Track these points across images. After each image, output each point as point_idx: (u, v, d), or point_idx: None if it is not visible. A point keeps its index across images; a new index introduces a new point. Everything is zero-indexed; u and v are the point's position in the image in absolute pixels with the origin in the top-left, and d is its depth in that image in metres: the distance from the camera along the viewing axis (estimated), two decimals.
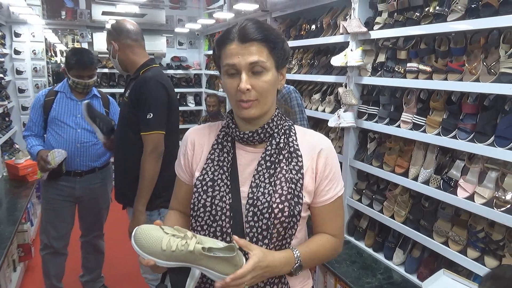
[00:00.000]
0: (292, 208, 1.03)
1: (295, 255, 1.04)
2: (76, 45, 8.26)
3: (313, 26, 2.91)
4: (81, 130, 2.44)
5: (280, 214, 1.01)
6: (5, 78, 3.98)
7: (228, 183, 1.06)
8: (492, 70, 1.65)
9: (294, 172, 1.05)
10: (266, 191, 1.03)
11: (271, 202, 1.01)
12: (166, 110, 1.97)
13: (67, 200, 2.51)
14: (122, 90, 3.39)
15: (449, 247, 1.84)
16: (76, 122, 2.45)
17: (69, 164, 2.43)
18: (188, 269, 0.96)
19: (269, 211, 1.01)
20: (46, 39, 5.99)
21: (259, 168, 1.06)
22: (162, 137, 1.95)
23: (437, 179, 1.92)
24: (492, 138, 1.66)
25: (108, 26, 2.11)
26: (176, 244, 0.91)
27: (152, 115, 1.90)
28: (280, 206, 1.01)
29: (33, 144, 2.43)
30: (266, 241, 1.02)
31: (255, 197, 1.03)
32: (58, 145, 2.40)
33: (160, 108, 1.93)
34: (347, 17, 2.46)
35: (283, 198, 1.02)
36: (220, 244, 0.95)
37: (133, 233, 0.95)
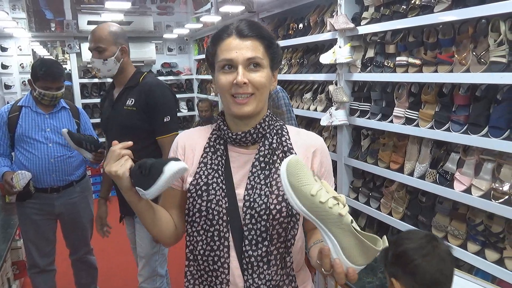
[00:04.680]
0: (289, 208, 1.00)
1: None
2: (66, 56, 8.20)
3: (301, 25, 2.88)
4: (52, 144, 2.31)
5: (278, 215, 0.99)
6: None
7: (224, 186, 1.04)
8: (482, 60, 1.63)
9: None
10: (262, 192, 1.01)
11: (268, 203, 1.00)
12: (176, 112, 2.08)
13: (47, 218, 2.40)
14: None
15: (449, 242, 1.81)
16: (46, 136, 2.31)
17: (44, 180, 2.31)
18: None
19: (267, 212, 0.99)
20: (35, 52, 5.97)
21: (254, 170, 1.04)
22: None
23: (433, 173, 1.89)
24: (486, 128, 1.63)
25: (112, 28, 2.02)
26: (327, 198, 0.83)
27: (169, 118, 1.96)
28: (278, 207, 1.00)
29: None
30: (266, 243, 1.00)
31: (251, 199, 1.01)
32: (30, 163, 2.28)
33: (174, 110, 2.04)
34: (334, 14, 2.43)
35: (280, 198, 1.00)
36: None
37: (287, 160, 0.86)
